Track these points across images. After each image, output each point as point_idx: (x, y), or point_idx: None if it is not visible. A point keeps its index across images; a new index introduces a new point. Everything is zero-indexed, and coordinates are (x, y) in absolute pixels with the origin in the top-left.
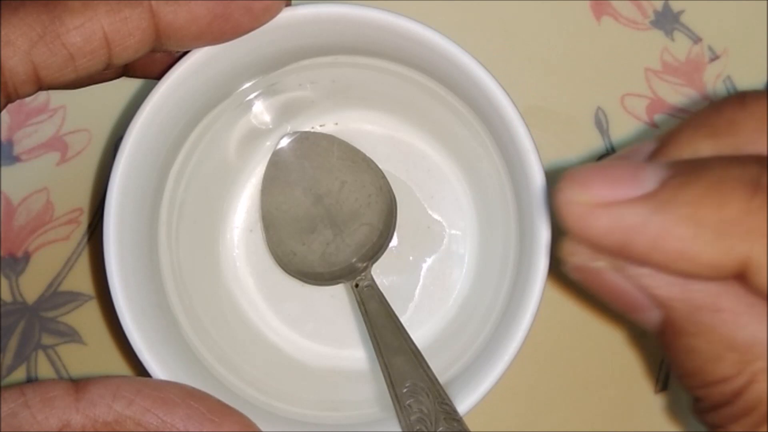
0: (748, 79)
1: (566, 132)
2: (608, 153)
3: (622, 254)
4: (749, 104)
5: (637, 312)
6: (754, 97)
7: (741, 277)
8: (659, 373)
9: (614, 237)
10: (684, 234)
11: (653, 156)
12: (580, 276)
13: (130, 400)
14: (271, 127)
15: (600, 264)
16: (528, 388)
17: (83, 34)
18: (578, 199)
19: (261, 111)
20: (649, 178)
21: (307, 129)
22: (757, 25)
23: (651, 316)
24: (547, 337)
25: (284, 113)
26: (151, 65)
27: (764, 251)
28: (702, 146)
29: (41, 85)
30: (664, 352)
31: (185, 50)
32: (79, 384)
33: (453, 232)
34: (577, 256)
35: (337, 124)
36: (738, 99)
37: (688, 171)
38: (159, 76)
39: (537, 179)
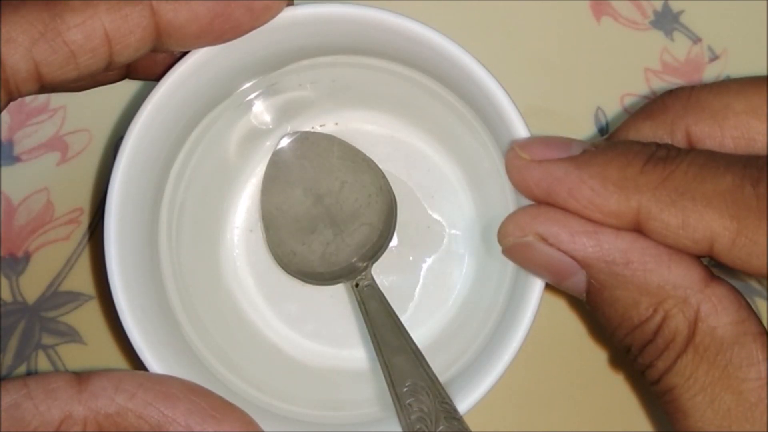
0: None
1: (566, 132)
2: None
3: (549, 200)
4: (676, 91)
5: (566, 278)
6: (680, 87)
7: (639, 227)
8: None
9: (543, 185)
10: (593, 185)
11: (607, 139)
12: (515, 254)
13: (132, 393)
14: (271, 127)
15: (528, 238)
16: (528, 388)
17: (84, 32)
18: (520, 155)
19: (261, 111)
20: (576, 148)
21: (307, 129)
22: (757, 25)
23: (578, 281)
24: (547, 337)
25: (284, 113)
26: (152, 66)
27: (652, 201)
28: (642, 127)
29: (43, 83)
30: (595, 314)
31: (186, 50)
32: (81, 376)
33: (453, 232)
34: (510, 237)
35: (337, 124)
36: (669, 90)
37: (605, 145)
38: (160, 78)
39: None
